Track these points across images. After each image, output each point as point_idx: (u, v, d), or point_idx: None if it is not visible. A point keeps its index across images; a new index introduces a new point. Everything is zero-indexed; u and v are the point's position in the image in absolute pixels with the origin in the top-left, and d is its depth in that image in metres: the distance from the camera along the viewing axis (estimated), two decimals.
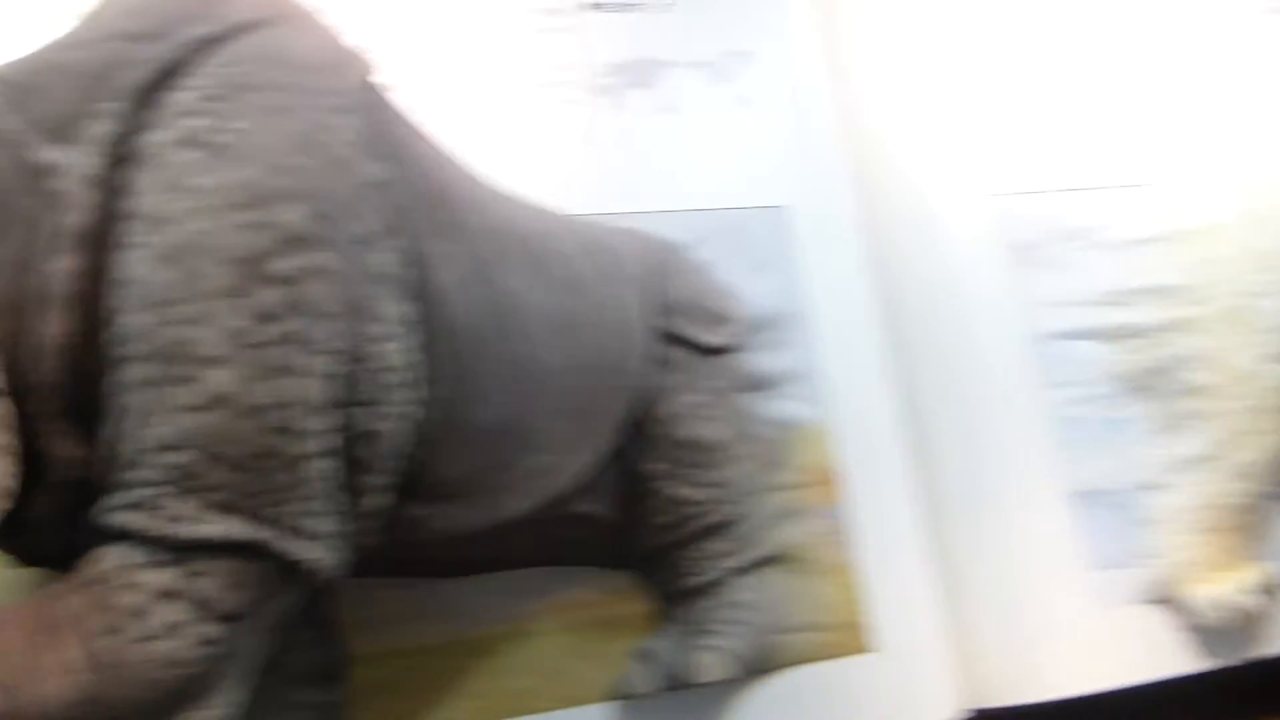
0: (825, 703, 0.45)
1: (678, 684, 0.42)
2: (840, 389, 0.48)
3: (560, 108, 0.47)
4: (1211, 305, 0.49)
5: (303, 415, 0.30)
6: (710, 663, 0.42)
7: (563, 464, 0.39)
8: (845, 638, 0.46)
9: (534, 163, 0.46)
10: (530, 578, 0.42)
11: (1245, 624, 0.48)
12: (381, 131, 0.35)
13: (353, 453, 0.32)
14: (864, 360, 0.50)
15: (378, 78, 0.37)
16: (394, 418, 0.32)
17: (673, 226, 0.47)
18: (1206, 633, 0.49)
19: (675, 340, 0.42)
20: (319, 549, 0.31)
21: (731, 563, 0.43)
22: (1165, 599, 0.49)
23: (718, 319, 0.44)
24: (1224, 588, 0.48)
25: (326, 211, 0.31)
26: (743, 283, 0.47)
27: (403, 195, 0.34)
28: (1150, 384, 0.50)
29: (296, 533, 0.31)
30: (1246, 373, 0.48)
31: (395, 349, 0.32)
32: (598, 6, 0.49)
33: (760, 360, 0.46)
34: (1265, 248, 0.49)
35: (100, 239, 0.30)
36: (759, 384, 0.45)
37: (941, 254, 0.51)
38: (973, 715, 0.47)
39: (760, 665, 0.44)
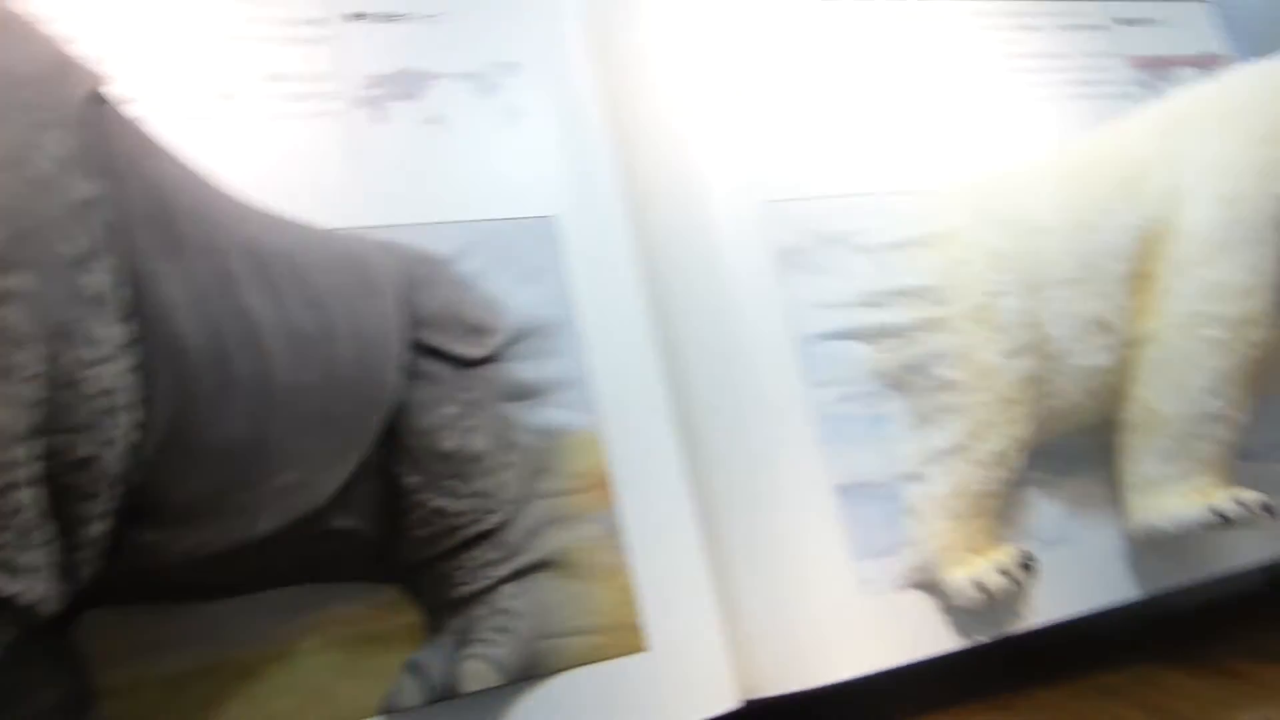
0: (601, 703, 0.46)
1: (447, 695, 0.42)
2: (612, 394, 0.49)
3: (319, 120, 0.47)
4: (958, 305, 0.52)
5: (3, 444, 0.29)
6: (477, 672, 0.42)
7: (314, 481, 0.39)
8: (620, 638, 0.47)
9: (291, 176, 0.45)
10: (294, 596, 0.42)
11: (998, 603, 0.52)
12: (102, 147, 0.34)
13: (67, 480, 0.31)
14: (636, 365, 0.51)
15: (109, 90, 0.36)
16: (111, 442, 0.32)
17: (438, 239, 0.47)
18: (964, 613, 0.52)
19: (431, 353, 0.42)
20: (28, 581, 0.30)
21: (499, 571, 0.44)
22: (925, 583, 0.52)
23: (476, 330, 0.44)
24: (977, 570, 0.51)
25: (26, 232, 0.30)
26: (510, 293, 0.48)
27: (121, 213, 0.33)
28: (906, 381, 0.53)
29: (2, 567, 0.30)
30: (990, 368, 0.51)
31: (110, 372, 0.32)
32: (359, 17, 0.48)
33: (526, 369, 0.47)
34: (1001, 249, 0.52)
35: None
36: (524, 393, 0.46)
37: (712, 259, 0.53)
38: (746, 706, 0.49)
39: (532, 671, 0.44)
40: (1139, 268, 0.53)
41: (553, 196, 0.51)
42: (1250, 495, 0.52)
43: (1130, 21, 0.67)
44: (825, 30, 0.58)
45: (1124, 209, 0.53)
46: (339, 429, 0.39)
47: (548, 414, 0.47)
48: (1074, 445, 0.57)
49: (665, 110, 0.54)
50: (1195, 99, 0.55)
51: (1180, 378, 0.52)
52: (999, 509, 0.53)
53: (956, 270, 0.53)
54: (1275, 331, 0.53)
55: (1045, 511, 0.56)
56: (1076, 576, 0.55)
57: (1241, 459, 0.62)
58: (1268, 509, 0.52)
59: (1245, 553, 0.60)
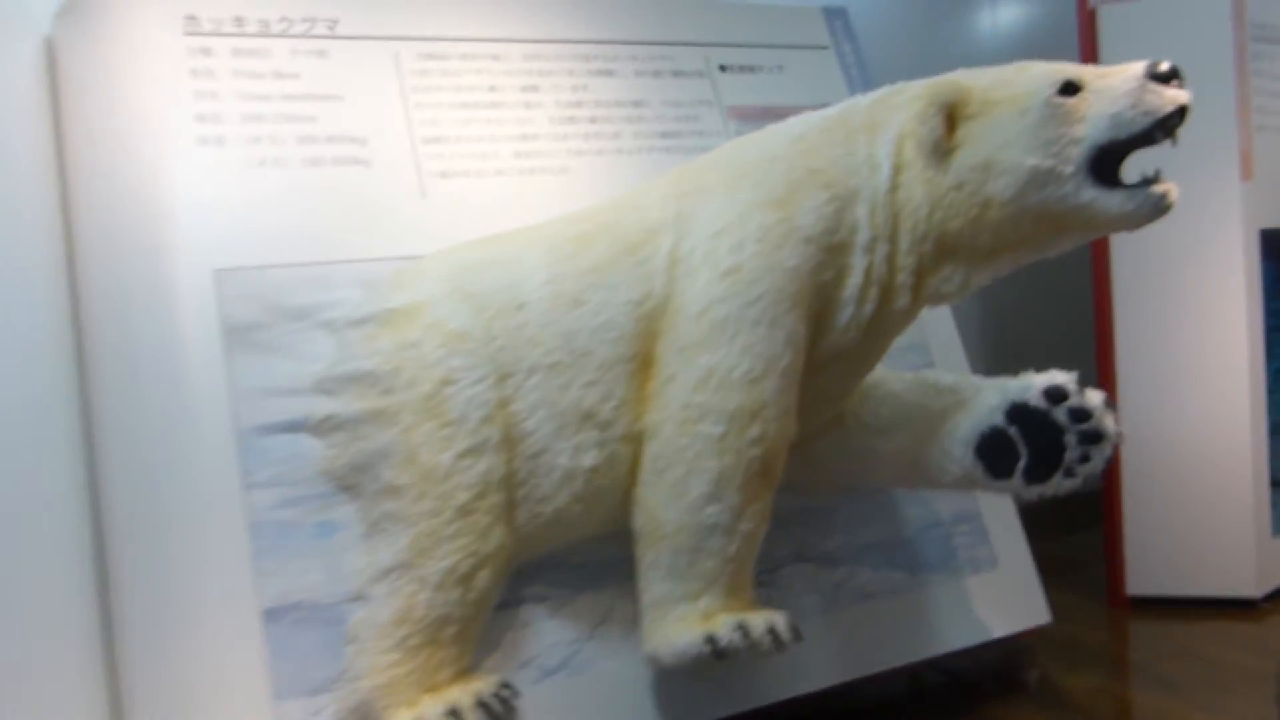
0: None
1: None
2: None
3: None
4: (406, 394, 0.44)
5: None
6: None
7: None
8: None
9: None
10: None
11: None
12: None
13: None
14: (14, 457, 0.42)
15: None
16: None
17: None
18: None
19: None
20: None
21: None
22: None
23: None
24: (429, 710, 0.43)
25: None
26: None
27: None
28: (355, 482, 0.44)
29: None
30: (438, 470, 0.43)
31: None
32: None
33: None
34: (463, 329, 0.45)
35: None
36: None
37: (148, 333, 0.45)
38: None
39: None
40: (639, 350, 0.45)
41: None
42: (758, 620, 0.44)
43: (734, 68, 0.60)
44: (324, 78, 0.51)
45: (623, 282, 0.46)
46: None
47: None
48: (595, 555, 0.49)
49: (114, 154, 0.46)
50: (716, 157, 0.48)
51: (679, 480, 0.44)
52: (463, 636, 0.44)
53: (406, 353, 0.44)
54: (787, 425, 0.45)
55: (549, 634, 0.47)
56: (581, 712, 0.47)
57: (824, 565, 0.54)
58: (776, 635, 0.44)
59: (810, 678, 0.51)
